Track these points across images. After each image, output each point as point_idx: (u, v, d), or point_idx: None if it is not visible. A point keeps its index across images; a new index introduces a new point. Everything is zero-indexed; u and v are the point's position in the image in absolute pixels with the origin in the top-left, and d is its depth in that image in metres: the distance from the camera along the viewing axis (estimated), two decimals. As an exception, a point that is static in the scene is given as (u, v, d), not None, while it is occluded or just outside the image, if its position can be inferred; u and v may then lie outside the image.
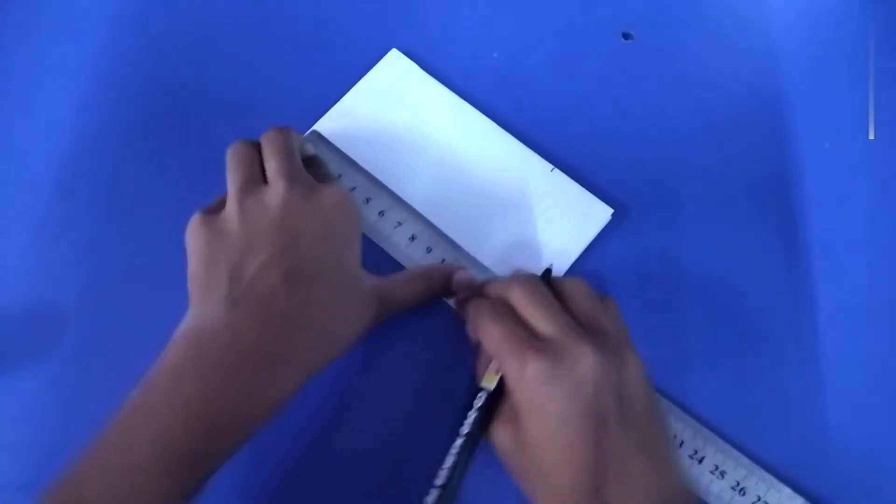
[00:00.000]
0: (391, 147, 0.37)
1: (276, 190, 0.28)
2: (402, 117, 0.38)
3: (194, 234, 0.28)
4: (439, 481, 0.26)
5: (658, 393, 0.32)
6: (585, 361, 0.25)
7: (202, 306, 0.27)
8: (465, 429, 0.27)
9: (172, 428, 0.24)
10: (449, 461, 0.27)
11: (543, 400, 0.25)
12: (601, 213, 0.36)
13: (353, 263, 0.29)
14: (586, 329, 0.27)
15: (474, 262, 0.34)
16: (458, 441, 0.27)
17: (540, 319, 0.27)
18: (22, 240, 0.36)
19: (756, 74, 0.41)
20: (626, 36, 0.41)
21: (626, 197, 0.36)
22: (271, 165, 0.30)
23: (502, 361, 0.27)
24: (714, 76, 0.41)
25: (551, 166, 0.36)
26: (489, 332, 0.28)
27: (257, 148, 0.31)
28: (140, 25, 0.41)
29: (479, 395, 0.28)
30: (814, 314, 0.35)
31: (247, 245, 0.27)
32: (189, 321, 0.27)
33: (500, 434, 0.27)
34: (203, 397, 0.24)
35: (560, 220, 0.36)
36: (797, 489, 0.31)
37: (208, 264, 0.27)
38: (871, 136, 0.39)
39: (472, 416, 0.28)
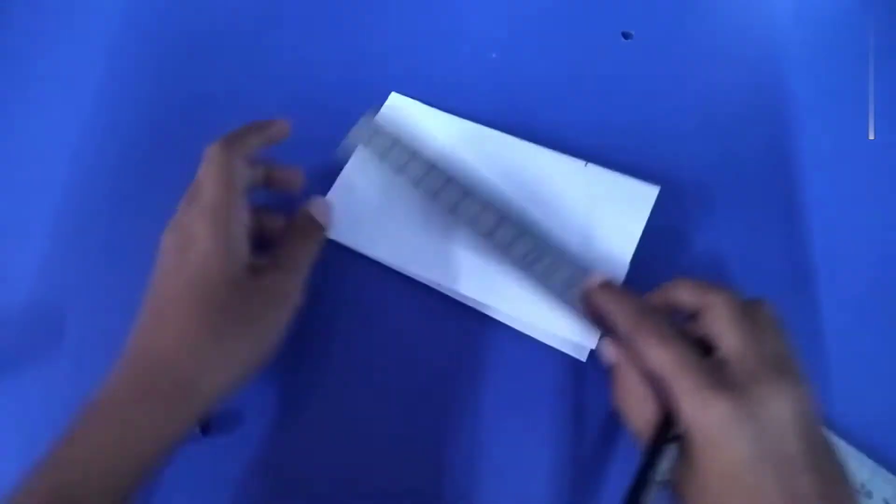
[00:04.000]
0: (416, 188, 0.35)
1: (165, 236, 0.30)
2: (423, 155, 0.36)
3: None
4: None
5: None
6: (777, 404, 0.24)
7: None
8: (661, 465, 0.26)
9: (53, 476, 0.25)
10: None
11: (726, 442, 0.24)
12: (648, 193, 0.35)
13: (220, 281, 0.28)
14: (773, 363, 0.26)
15: (559, 251, 0.33)
16: (648, 489, 0.25)
17: (734, 343, 0.26)
18: (24, 240, 0.36)
19: (756, 74, 0.41)
20: (626, 35, 0.41)
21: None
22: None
23: (677, 393, 0.25)
24: (714, 76, 0.41)
25: (584, 161, 0.36)
26: (657, 356, 0.26)
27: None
28: (151, 36, 0.41)
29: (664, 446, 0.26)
30: (814, 314, 0.35)
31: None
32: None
33: (677, 473, 0.26)
34: (80, 443, 0.25)
35: (609, 210, 0.35)
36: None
37: None
38: (871, 136, 0.39)
39: (666, 454, 0.26)
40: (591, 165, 0.36)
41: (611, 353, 0.30)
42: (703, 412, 0.25)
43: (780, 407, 0.24)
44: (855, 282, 0.36)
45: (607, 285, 0.31)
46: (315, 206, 0.33)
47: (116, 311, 0.34)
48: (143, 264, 0.35)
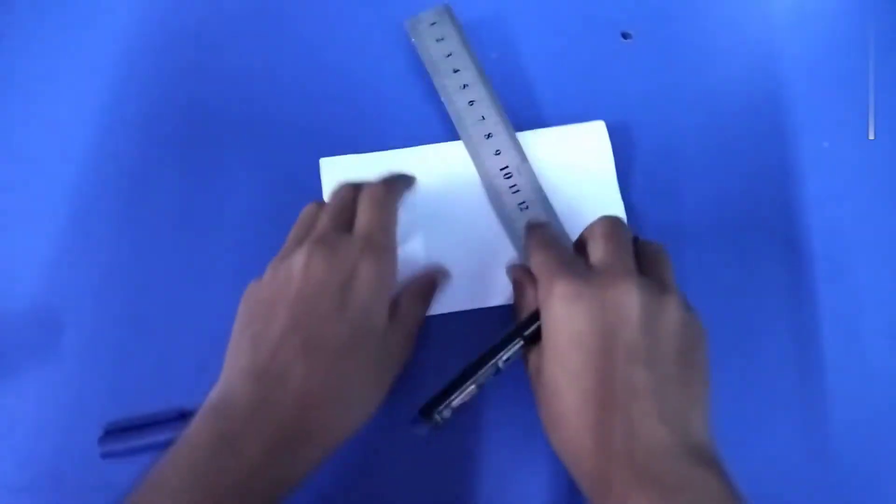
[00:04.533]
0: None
1: (300, 254, 0.27)
2: None
3: (241, 302, 0.29)
4: (456, 402, 0.27)
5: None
6: (622, 290, 0.25)
7: (227, 377, 0.26)
8: (505, 355, 0.27)
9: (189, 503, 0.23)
10: (470, 387, 0.27)
11: (564, 319, 0.25)
12: (597, 130, 0.37)
13: (379, 326, 0.28)
14: (635, 271, 0.26)
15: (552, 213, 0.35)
16: (484, 367, 0.27)
17: (598, 249, 0.27)
18: (25, 242, 0.36)
19: (756, 74, 0.41)
20: (625, 35, 0.41)
21: (625, 196, 0.36)
22: (316, 225, 0.29)
23: (539, 284, 0.27)
24: (714, 76, 0.41)
25: (530, 131, 0.37)
26: (533, 258, 0.29)
27: (320, 209, 0.31)
28: (155, 40, 0.41)
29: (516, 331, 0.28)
30: (814, 314, 0.35)
31: (270, 312, 0.27)
32: (214, 392, 0.26)
33: (529, 359, 0.28)
34: (220, 474, 0.23)
35: (575, 163, 0.36)
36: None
37: (240, 332, 0.27)
38: (871, 136, 0.39)
39: (513, 347, 0.28)
40: (538, 131, 0.37)
41: (513, 273, 0.32)
42: (549, 293, 0.26)
43: (622, 296, 0.25)
44: (855, 282, 0.36)
45: (530, 226, 0.32)
46: (438, 273, 0.33)
47: (116, 312, 0.34)
48: (143, 264, 0.35)
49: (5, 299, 0.34)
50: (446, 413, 0.26)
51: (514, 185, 0.35)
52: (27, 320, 0.34)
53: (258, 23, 0.41)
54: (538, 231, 0.31)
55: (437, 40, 0.37)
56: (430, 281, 0.33)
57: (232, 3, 0.42)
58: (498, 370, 0.27)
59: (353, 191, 0.31)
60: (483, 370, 0.27)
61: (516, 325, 0.28)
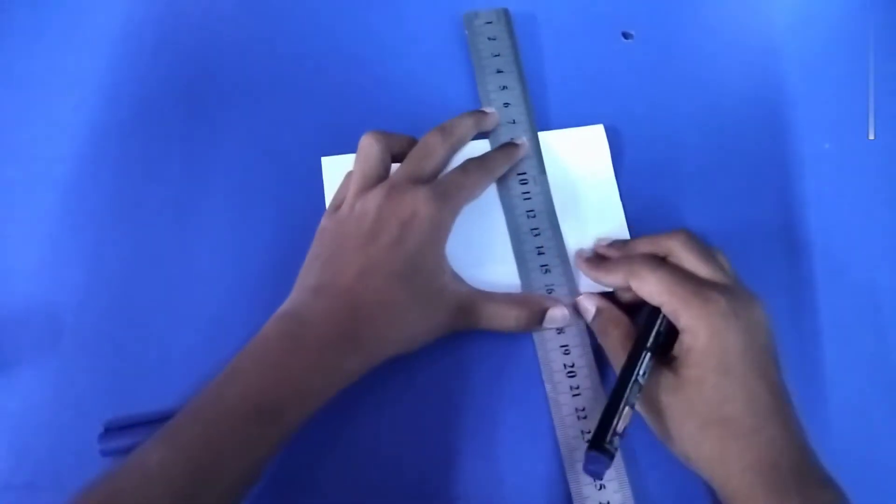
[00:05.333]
0: None
1: (375, 196, 0.31)
2: None
3: (317, 231, 0.33)
4: (620, 428, 0.28)
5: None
6: (759, 307, 0.29)
7: (296, 293, 0.31)
8: (641, 369, 0.29)
9: (259, 386, 0.27)
10: (625, 410, 0.28)
11: (726, 332, 0.28)
12: (596, 134, 0.37)
13: (431, 266, 0.31)
14: (740, 284, 0.31)
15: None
16: (632, 388, 0.29)
17: (705, 267, 0.30)
18: (25, 240, 0.36)
19: (756, 74, 0.41)
20: (626, 35, 0.41)
21: (625, 197, 0.36)
22: (397, 170, 0.33)
23: (680, 302, 0.29)
24: (714, 76, 0.41)
25: (525, 137, 0.36)
26: (655, 281, 0.30)
27: (385, 143, 0.33)
28: (150, 36, 0.41)
29: (647, 348, 0.30)
30: (814, 314, 0.35)
31: (342, 243, 0.31)
32: (284, 305, 0.31)
33: (659, 375, 0.29)
34: (285, 365, 0.28)
35: (575, 166, 0.37)
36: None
37: (313, 258, 0.32)
38: (871, 136, 0.39)
39: (644, 360, 0.29)
40: (537, 135, 0.37)
41: (592, 302, 0.33)
42: (706, 308, 0.28)
43: (759, 312, 0.29)
44: (854, 282, 0.36)
45: (586, 258, 0.34)
46: (549, 308, 0.33)
47: (116, 309, 0.34)
48: (143, 262, 0.35)
49: (5, 298, 0.35)
50: (616, 441, 0.28)
51: (528, 193, 0.35)
52: (27, 318, 0.34)
53: (256, 19, 0.41)
54: (637, 256, 0.32)
55: (490, 38, 0.39)
56: (536, 309, 0.32)
57: None
58: (640, 387, 0.29)
59: (442, 144, 0.33)
60: (629, 390, 0.29)
61: (639, 341, 0.30)
